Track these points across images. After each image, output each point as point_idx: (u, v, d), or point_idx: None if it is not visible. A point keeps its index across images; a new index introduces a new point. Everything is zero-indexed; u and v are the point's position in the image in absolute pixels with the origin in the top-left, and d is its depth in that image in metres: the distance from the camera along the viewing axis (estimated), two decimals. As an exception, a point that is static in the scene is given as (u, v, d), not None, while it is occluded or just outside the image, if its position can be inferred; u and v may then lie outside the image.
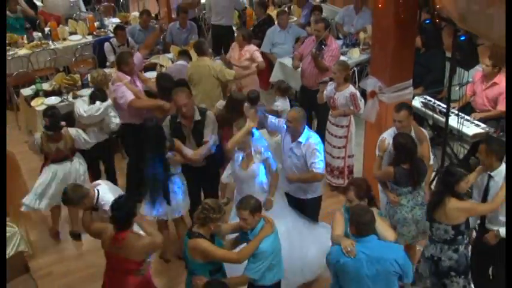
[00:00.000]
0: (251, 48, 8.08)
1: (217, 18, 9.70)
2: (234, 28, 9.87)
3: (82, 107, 6.52)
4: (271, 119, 6.02)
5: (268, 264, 4.55)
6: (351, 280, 4.20)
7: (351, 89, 6.76)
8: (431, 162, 5.87)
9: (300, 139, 5.52)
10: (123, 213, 4.47)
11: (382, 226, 4.46)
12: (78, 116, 6.51)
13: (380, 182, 5.65)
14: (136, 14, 10.55)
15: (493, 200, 4.77)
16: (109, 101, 6.53)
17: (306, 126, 5.68)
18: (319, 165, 5.47)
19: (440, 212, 4.70)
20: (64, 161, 6.30)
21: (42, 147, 6.24)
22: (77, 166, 6.41)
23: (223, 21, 9.69)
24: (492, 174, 4.84)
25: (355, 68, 8.28)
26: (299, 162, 5.61)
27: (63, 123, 6.23)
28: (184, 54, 8.05)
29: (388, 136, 5.63)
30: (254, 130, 5.55)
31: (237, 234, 4.77)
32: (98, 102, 6.46)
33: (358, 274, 4.14)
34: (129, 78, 6.77)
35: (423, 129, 5.94)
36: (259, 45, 8.89)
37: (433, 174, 6.46)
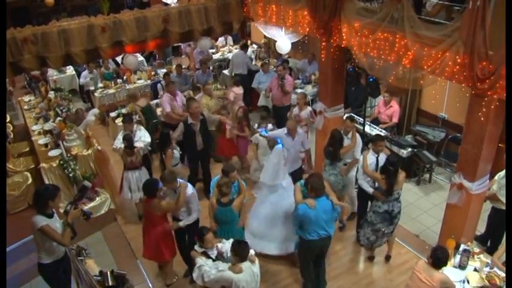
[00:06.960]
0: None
1: (237, 70, 9.47)
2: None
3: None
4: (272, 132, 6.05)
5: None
6: (313, 223, 4.28)
7: (309, 108, 6.89)
8: (358, 157, 5.50)
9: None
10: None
11: (328, 191, 4.47)
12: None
13: None
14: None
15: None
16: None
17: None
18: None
19: (397, 184, 4.66)
20: (135, 169, 5.75)
21: (122, 159, 5.76)
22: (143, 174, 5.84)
23: (240, 71, 9.44)
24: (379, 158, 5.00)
25: (309, 97, 8.29)
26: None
27: (137, 144, 5.70)
28: (197, 89, 8.19)
29: None
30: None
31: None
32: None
33: (317, 219, 4.25)
34: (172, 96, 7.14)
35: (358, 137, 5.64)
36: (250, 83, 8.84)
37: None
